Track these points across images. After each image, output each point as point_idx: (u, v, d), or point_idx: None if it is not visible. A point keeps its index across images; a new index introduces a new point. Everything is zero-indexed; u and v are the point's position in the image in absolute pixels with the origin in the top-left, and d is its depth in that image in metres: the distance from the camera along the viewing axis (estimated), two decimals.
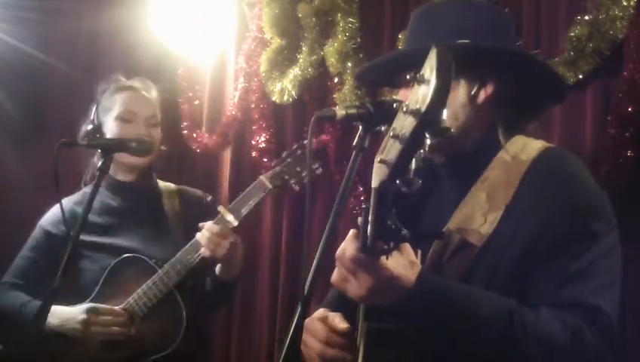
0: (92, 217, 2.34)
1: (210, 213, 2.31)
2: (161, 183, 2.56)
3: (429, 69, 1.01)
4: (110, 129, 2.41)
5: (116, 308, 2.31)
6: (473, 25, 1.50)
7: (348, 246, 1.25)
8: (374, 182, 1.10)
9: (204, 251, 2.24)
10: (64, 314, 2.30)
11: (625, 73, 2.12)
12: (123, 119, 2.39)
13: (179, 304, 2.28)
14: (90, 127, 2.46)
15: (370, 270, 1.22)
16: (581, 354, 1.29)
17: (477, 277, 1.38)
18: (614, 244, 1.41)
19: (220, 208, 2.28)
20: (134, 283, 2.30)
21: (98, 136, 2.43)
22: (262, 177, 2.28)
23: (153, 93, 2.50)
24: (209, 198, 2.59)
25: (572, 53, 2.20)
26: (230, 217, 2.25)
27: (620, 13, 2.13)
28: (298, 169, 2.26)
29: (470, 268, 1.39)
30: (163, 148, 2.55)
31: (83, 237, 2.27)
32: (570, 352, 1.28)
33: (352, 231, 1.27)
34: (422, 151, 1.05)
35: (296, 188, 2.27)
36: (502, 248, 1.38)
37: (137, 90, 2.47)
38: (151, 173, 2.53)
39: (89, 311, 2.29)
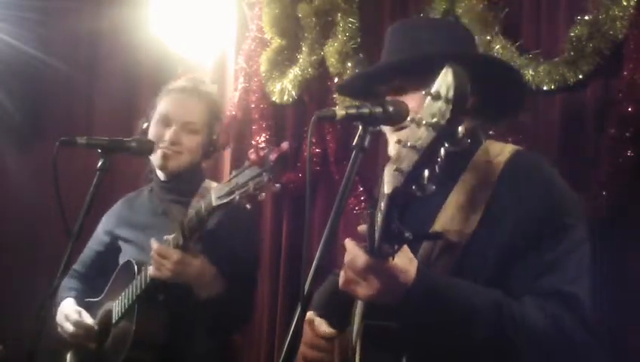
0: (137, 215, 2.46)
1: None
2: (209, 186, 2.37)
3: (446, 87, 1.11)
4: (150, 130, 2.38)
5: (89, 322, 2.34)
6: (447, 39, 1.62)
7: (356, 253, 1.31)
8: (387, 189, 1.17)
9: (150, 270, 2.13)
10: (61, 312, 2.39)
11: (625, 73, 2.12)
12: (159, 122, 2.35)
13: (132, 319, 2.21)
14: (144, 125, 2.42)
15: (380, 272, 1.29)
16: (562, 340, 1.36)
17: (463, 276, 1.43)
18: (584, 237, 1.49)
19: (176, 229, 2.13)
20: (125, 287, 2.30)
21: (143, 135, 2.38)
22: (212, 192, 2.01)
23: (199, 97, 2.39)
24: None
25: (572, 53, 2.20)
26: (178, 236, 2.09)
27: (620, 13, 2.13)
28: (245, 183, 1.91)
29: (456, 267, 1.46)
30: (206, 158, 2.43)
31: (123, 233, 2.46)
32: (552, 338, 1.36)
33: (349, 241, 1.34)
34: (439, 159, 1.14)
35: (246, 203, 1.93)
36: (484, 247, 1.46)
37: (182, 92, 2.39)
38: (191, 175, 2.39)
39: (66, 317, 2.36)
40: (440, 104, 1.11)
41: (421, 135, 1.13)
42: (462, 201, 1.51)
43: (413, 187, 1.15)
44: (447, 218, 1.51)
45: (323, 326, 1.55)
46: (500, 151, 1.57)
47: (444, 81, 1.11)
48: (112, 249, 2.50)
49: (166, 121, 2.34)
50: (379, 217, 1.20)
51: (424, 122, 1.13)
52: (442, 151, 1.14)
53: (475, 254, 1.46)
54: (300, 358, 1.55)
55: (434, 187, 1.15)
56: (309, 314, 1.62)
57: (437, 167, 1.15)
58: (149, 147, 2.27)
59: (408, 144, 1.16)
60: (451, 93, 1.09)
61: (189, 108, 2.37)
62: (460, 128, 1.13)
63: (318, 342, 1.54)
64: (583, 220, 1.51)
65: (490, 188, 1.50)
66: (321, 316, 1.62)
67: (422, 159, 1.13)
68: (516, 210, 1.45)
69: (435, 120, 1.11)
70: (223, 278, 2.17)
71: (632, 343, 1.95)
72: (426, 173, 1.15)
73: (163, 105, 2.38)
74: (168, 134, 2.31)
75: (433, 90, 1.14)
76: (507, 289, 1.41)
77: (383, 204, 1.18)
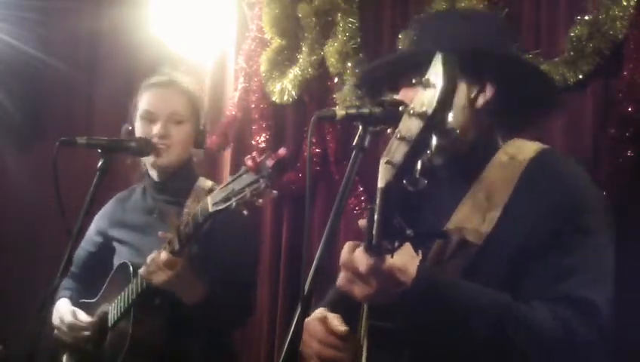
0: (130, 215, 2.44)
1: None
2: (204, 185, 2.36)
3: (435, 74, 1.06)
4: (137, 129, 2.36)
5: (87, 320, 2.33)
6: (474, 33, 1.56)
7: (353, 251, 1.27)
8: (380, 183, 1.13)
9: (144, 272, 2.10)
10: (57, 313, 2.37)
11: (625, 73, 2.12)
12: (144, 119, 2.34)
13: (129, 321, 2.20)
14: (129, 127, 2.40)
15: (378, 271, 1.24)
16: (571, 344, 1.33)
17: (477, 276, 1.40)
18: (608, 241, 1.44)
19: (171, 233, 2.08)
20: (121, 289, 2.28)
21: (131, 136, 2.36)
22: (208, 198, 1.99)
23: (179, 88, 2.38)
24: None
25: (572, 53, 2.20)
26: (174, 242, 2.07)
27: (620, 13, 2.13)
28: (242, 189, 1.89)
29: (470, 267, 1.42)
30: (195, 148, 2.42)
31: (116, 234, 2.44)
32: (560, 343, 1.32)
33: (349, 242, 1.30)
34: (428, 151, 1.09)
35: (243, 209, 1.90)
36: (501, 246, 1.41)
37: (160, 86, 2.38)
38: (185, 174, 2.38)
39: (61, 319, 2.35)
40: (429, 92, 1.07)
41: (411, 125, 1.09)
42: (480, 199, 1.47)
43: (404, 181, 1.10)
44: (463, 216, 1.47)
45: (335, 322, 1.50)
46: (526, 149, 1.52)
47: (435, 68, 1.07)
48: (105, 249, 2.49)
49: (150, 117, 2.32)
50: (376, 212, 1.16)
51: (412, 112, 1.09)
52: (433, 142, 1.08)
53: (491, 253, 1.42)
54: (313, 357, 1.50)
55: (426, 181, 1.10)
56: (321, 310, 1.57)
57: (428, 160, 1.10)
58: (149, 147, 2.26)
59: (398, 135, 1.12)
60: (439, 81, 1.05)
61: (171, 99, 2.35)
62: (450, 118, 1.08)
63: (333, 340, 1.49)
64: (608, 223, 1.46)
65: (510, 187, 1.45)
66: (333, 313, 1.55)
67: (411, 151, 1.09)
68: (536, 208, 1.41)
69: (424, 109, 1.07)
70: (204, 286, 2.14)
71: (632, 343, 1.95)
72: (419, 166, 1.10)
73: (144, 102, 2.36)
74: (156, 129, 2.29)
75: (425, 77, 1.10)
76: (521, 290, 1.37)
77: (377, 199, 1.14)
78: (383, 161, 1.14)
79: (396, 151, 1.12)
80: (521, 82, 1.54)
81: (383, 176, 1.13)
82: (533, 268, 1.39)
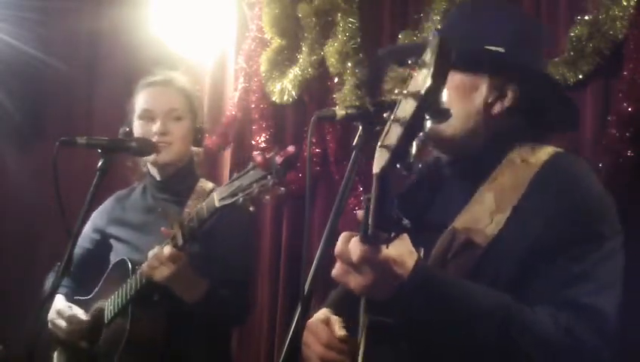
0: (129, 214, 2.45)
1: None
2: (205, 186, 2.37)
3: (430, 53, 1.04)
4: (135, 129, 2.37)
5: (82, 317, 2.32)
6: (507, 31, 1.51)
7: (348, 241, 1.26)
8: (375, 168, 1.10)
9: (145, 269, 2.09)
10: (53, 308, 2.36)
11: (625, 73, 2.12)
12: (142, 118, 2.35)
13: (127, 317, 2.19)
14: (126, 128, 2.40)
15: (373, 262, 1.22)
16: (574, 351, 1.31)
17: (481, 277, 1.39)
18: (617, 248, 1.42)
19: (174, 229, 2.07)
20: (118, 286, 2.27)
21: (129, 137, 2.36)
22: (214, 193, 2.00)
23: (176, 86, 2.40)
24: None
25: (572, 53, 2.20)
26: (178, 237, 2.05)
27: (620, 13, 2.13)
28: (250, 185, 1.90)
29: (474, 268, 1.41)
30: (196, 147, 2.43)
31: (114, 231, 2.44)
32: (563, 349, 1.30)
33: (345, 233, 1.28)
34: (422, 133, 1.06)
35: (249, 205, 1.91)
36: (507, 249, 1.39)
37: (157, 85, 2.39)
38: (186, 173, 2.40)
39: (58, 313, 2.34)
40: (423, 72, 1.05)
41: (405, 106, 1.06)
42: (489, 201, 1.44)
43: (398, 165, 1.07)
44: (470, 217, 1.44)
45: (336, 326, 1.48)
46: (539, 152, 1.49)
47: (430, 49, 1.05)
48: (101, 247, 2.48)
49: (149, 115, 2.34)
50: (371, 200, 1.13)
51: (407, 93, 1.07)
52: (427, 124, 1.05)
53: (496, 255, 1.40)
54: (315, 359, 1.48)
55: (420, 165, 1.09)
56: (325, 311, 1.55)
57: (422, 143, 1.07)
58: (149, 147, 2.27)
59: (392, 117, 1.09)
60: (432, 61, 1.02)
61: (168, 97, 2.37)
62: (444, 98, 1.05)
63: (337, 343, 1.47)
64: (619, 229, 1.44)
65: (521, 189, 1.42)
66: (337, 314, 1.54)
67: (405, 132, 1.05)
68: (545, 212, 1.38)
69: (417, 89, 1.04)
70: (204, 284, 2.14)
71: (632, 343, 1.95)
72: (414, 149, 1.07)
73: (142, 101, 2.37)
74: (155, 127, 2.30)
75: (421, 58, 1.07)
76: (527, 292, 1.36)
77: (373, 186, 1.11)
78: (378, 145, 1.11)
79: (391, 133, 1.08)
80: (540, 96, 1.51)
81: (378, 162, 1.10)
82: (542, 270, 1.37)
